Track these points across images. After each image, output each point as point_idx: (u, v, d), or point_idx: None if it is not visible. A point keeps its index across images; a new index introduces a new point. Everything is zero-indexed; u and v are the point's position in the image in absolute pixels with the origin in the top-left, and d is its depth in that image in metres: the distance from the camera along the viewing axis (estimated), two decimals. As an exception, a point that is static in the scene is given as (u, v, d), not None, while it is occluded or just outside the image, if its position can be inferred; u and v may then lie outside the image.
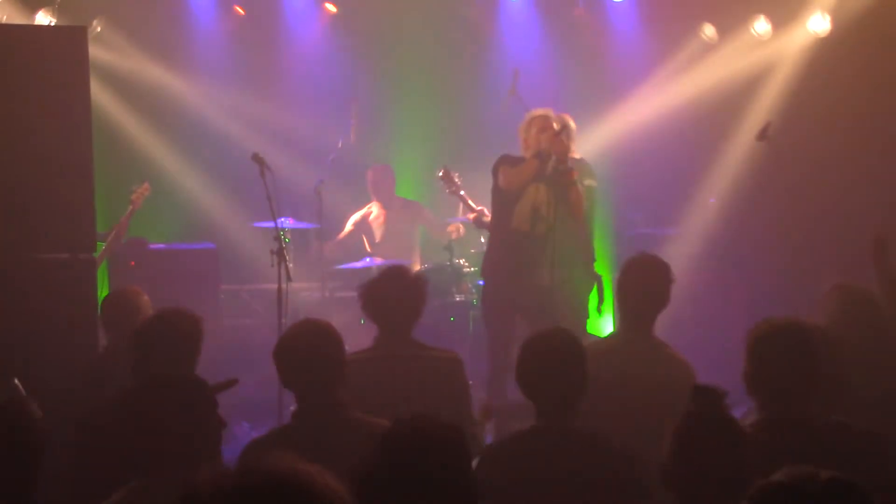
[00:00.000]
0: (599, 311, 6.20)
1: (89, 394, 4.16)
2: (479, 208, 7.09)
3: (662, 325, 4.31)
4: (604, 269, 7.96)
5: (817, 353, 3.17)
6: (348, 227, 8.08)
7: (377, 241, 8.02)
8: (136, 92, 8.17)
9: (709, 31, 8.33)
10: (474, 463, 2.60)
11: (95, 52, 6.71)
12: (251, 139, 7.53)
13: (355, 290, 4.34)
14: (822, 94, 7.66)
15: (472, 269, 7.40)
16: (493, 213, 6.18)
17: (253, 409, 6.55)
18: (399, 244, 7.90)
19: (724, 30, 8.28)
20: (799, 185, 7.58)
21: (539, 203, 5.97)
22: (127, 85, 8.12)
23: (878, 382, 3.74)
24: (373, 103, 8.51)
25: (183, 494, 1.54)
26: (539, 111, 6.12)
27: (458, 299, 7.39)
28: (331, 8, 8.57)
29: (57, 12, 7.54)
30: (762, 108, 7.95)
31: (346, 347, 3.55)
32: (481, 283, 6.52)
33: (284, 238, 6.34)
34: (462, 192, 7.15)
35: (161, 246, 7.57)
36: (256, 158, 5.81)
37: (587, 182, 6.31)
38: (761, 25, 8.15)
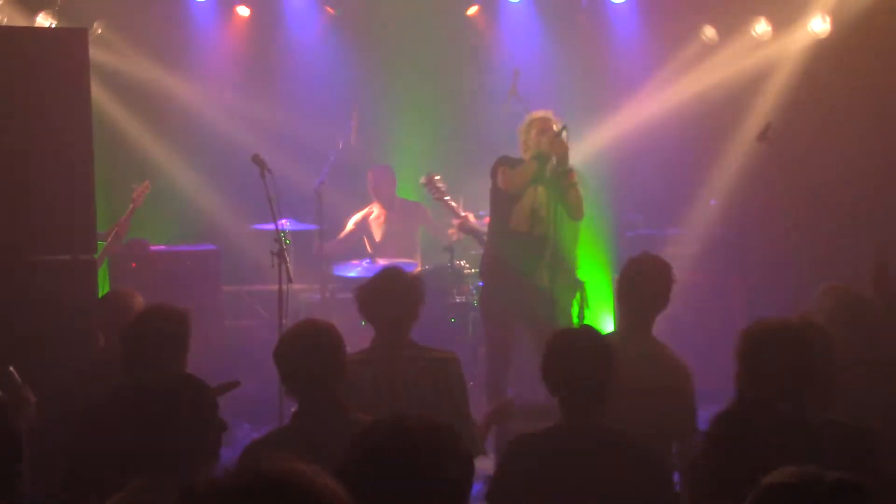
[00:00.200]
0: (581, 317, 6.20)
1: (88, 394, 4.16)
2: (463, 214, 7.14)
3: (662, 326, 4.32)
4: (600, 271, 7.98)
5: (809, 354, 3.18)
6: (349, 226, 8.09)
7: (378, 241, 8.02)
8: (137, 94, 8.17)
9: (709, 32, 8.33)
10: (487, 463, 2.60)
11: (96, 54, 6.71)
12: (252, 140, 7.53)
13: (353, 293, 4.35)
14: (823, 96, 7.67)
15: (473, 270, 7.41)
16: (492, 214, 6.19)
17: (253, 410, 6.55)
18: (400, 245, 7.90)
19: (725, 31, 8.28)
20: (799, 186, 7.58)
21: (538, 205, 5.98)
22: (127, 87, 8.13)
23: (868, 382, 3.74)
24: (373, 104, 8.52)
25: (182, 495, 1.55)
26: (539, 113, 6.12)
27: (458, 301, 7.40)
28: (331, 10, 8.57)
29: (58, 14, 7.55)
30: (762, 109, 7.95)
31: (347, 348, 3.56)
32: (481, 283, 6.53)
33: (285, 239, 6.34)
34: (447, 198, 7.18)
35: (162, 247, 7.58)
36: (257, 160, 5.82)
37: None
38: (761, 27, 8.15)
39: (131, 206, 7.26)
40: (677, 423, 3.93)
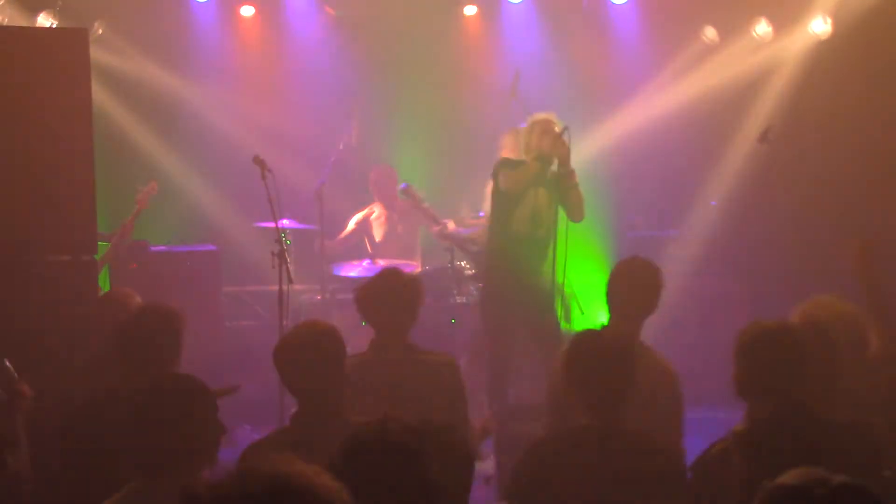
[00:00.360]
0: (568, 320, 6.21)
1: (88, 394, 4.16)
2: (442, 222, 7.16)
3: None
4: (600, 273, 7.99)
5: (806, 355, 3.18)
6: (350, 226, 8.09)
7: (378, 241, 8.02)
8: (138, 94, 8.18)
9: (710, 33, 8.33)
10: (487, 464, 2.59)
11: (97, 54, 6.71)
12: (252, 141, 7.52)
13: (352, 294, 4.36)
14: (824, 97, 7.66)
15: (473, 271, 7.41)
16: (493, 215, 6.19)
17: (254, 412, 6.54)
18: (400, 245, 7.90)
19: (726, 32, 8.28)
20: (800, 187, 7.59)
21: (539, 206, 5.98)
22: (128, 87, 8.13)
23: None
24: (374, 105, 8.51)
25: (184, 496, 1.55)
26: (541, 115, 6.12)
27: (458, 301, 7.40)
28: (332, 11, 8.57)
29: (58, 14, 7.55)
30: (763, 110, 7.95)
31: (347, 349, 3.56)
32: (481, 285, 6.53)
33: (285, 240, 6.34)
34: (425, 205, 7.21)
35: (162, 248, 7.57)
36: (257, 161, 5.81)
37: None
38: (762, 28, 8.15)
39: (136, 207, 7.24)
40: (664, 428, 3.92)
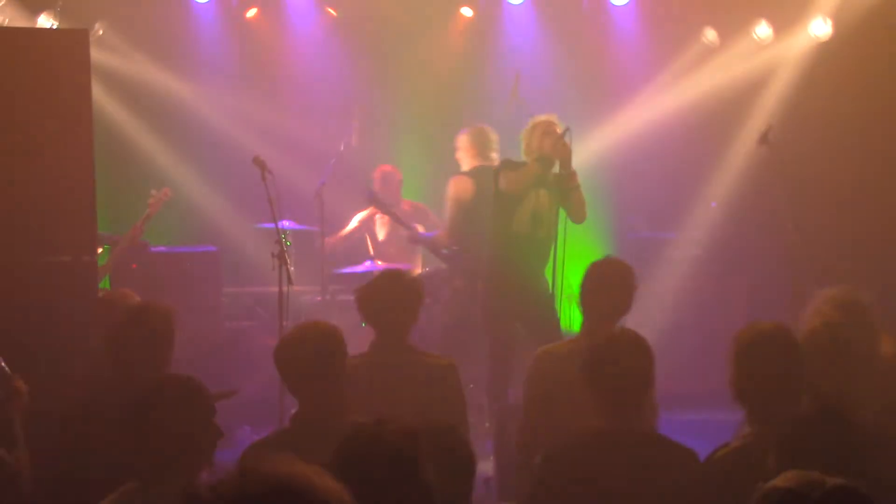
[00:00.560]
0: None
1: (86, 395, 4.17)
2: (412, 226, 7.17)
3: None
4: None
5: (802, 358, 3.18)
6: (353, 223, 8.04)
7: (380, 241, 8.01)
8: (138, 95, 8.17)
9: (710, 35, 8.33)
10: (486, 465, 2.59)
11: (97, 55, 6.72)
12: (252, 142, 7.52)
13: (353, 294, 4.36)
14: (824, 99, 7.67)
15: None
16: (494, 217, 6.18)
17: (254, 412, 6.55)
18: (401, 246, 7.89)
19: (726, 34, 8.28)
20: (800, 189, 7.58)
21: (540, 208, 5.98)
22: (128, 88, 8.12)
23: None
24: (375, 106, 8.52)
25: (185, 498, 1.55)
26: (543, 116, 6.13)
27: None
28: (332, 11, 8.57)
29: (59, 15, 7.54)
30: (763, 112, 7.95)
31: (348, 350, 3.56)
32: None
33: (286, 241, 6.34)
34: (393, 210, 7.25)
35: (162, 249, 7.57)
36: (258, 162, 5.81)
37: None
38: (763, 30, 8.15)
39: (147, 210, 7.22)
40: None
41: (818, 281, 6.67)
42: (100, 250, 6.61)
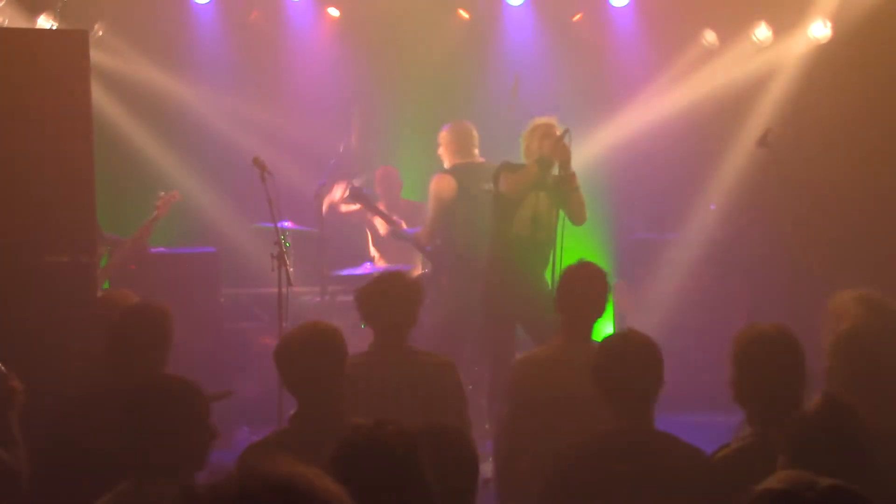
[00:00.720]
0: None
1: (84, 395, 4.17)
2: (396, 221, 7.16)
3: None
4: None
5: (803, 359, 3.18)
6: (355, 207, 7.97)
7: (381, 241, 8.00)
8: (138, 96, 8.16)
9: (710, 37, 8.33)
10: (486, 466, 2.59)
11: (97, 55, 6.71)
12: (252, 143, 7.52)
13: (353, 294, 4.37)
14: (823, 101, 7.67)
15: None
16: (494, 218, 6.18)
17: (252, 413, 6.55)
18: (402, 245, 7.89)
19: (725, 36, 8.28)
20: (799, 191, 7.58)
21: (540, 210, 5.98)
22: (128, 89, 8.12)
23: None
24: (374, 107, 8.51)
25: (184, 499, 1.54)
26: (543, 118, 6.13)
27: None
28: (332, 12, 8.57)
29: (59, 16, 7.54)
30: (763, 114, 7.95)
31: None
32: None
33: (285, 242, 6.34)
34: (376, 205, 7.24)
35: (162, 249, 7.56)
36: (257, 162, 5.82)
37: None
38: (762, 32, 8.15)
39: (155, 213, 7.21)
40: None
41: (817, 281, 6.69)
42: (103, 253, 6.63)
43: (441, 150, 6.95)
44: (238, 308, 7.89)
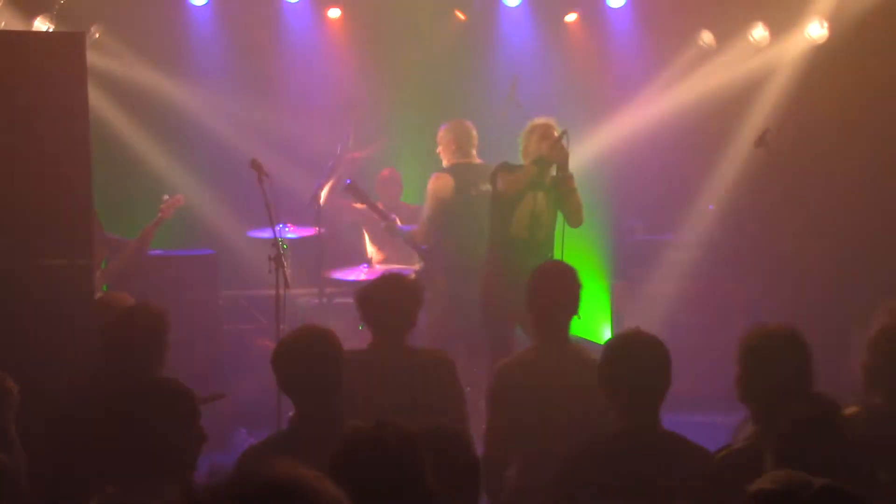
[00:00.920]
0: None
1: (82, 398, 4.16)
2: (391, 217, 7.15)
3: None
4: (598, 278, 7.98)
5: (809, 359, 3.18)
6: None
7: (379, 242, 7.98)
8: (135, 98, 8.15)
9: (707, 37, 8.33)
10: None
11: (94, 58, 6.70)
12: (249, 145, 7.51)
13: (353, 295, 4.38)
14: (820, 101, 7.67)
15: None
16: (492, 219, 6.19)
17: (251, 416, 6.55)
18: (401, 247, 7.88)
19: (722, 36, 8.28)
20: (797, 191, 7.59)
21: (538, 210, 5.98)
22: (125, 91, 8.10)
23: None
24: (372, 109, 8.50)
25: (183, 500, 1.54)
26: (541, 119, 6.13)
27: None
28: (331, 14, 8.56)
29: (55, 18, 7.53)
30: (760, 114, 7.95)
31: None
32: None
33: (282, 244, 6.33)
34: (371, 201, 7.24)
35: (160, 252, 7.56)
36: (255, 165, 5.82)
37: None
38: (759, 32, 8.15)
39: (159, 215, 7.21)
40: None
41: (816, 281, 6.69)
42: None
43: (440, 149, 6.95)
44: (236, 310, 7.88)
